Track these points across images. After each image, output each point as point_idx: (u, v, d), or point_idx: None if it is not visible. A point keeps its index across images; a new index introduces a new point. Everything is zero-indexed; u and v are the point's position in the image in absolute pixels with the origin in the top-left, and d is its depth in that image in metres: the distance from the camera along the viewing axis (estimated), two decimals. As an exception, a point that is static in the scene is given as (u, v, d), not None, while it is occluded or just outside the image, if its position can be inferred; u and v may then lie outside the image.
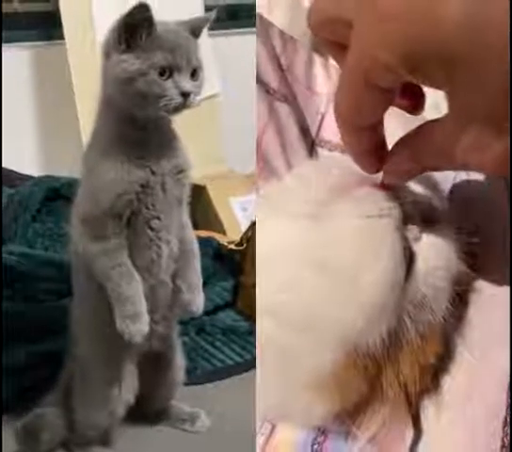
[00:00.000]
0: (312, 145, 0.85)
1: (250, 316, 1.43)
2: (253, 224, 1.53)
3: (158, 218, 0.92)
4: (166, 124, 0.92)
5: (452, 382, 0.68)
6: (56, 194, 1.63)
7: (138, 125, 0.88)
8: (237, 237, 1.63)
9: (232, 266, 1.57)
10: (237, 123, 1.93)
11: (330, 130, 0.82)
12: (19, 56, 1.98)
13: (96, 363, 1.03)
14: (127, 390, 1.04)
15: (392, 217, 0.65)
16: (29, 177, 1.75)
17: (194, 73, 0.87)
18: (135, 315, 0.91)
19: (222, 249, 1.61)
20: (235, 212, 1.86)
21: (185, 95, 0.85)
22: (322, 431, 0.71)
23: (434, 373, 0.68)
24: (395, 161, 0.58)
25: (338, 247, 0.64)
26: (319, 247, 0.64)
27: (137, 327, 0.91)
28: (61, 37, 1.84)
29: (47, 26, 1.97)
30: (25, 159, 2.00)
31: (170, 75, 0.84)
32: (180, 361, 1.15)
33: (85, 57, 1.77)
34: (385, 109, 0.54)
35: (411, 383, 0.66)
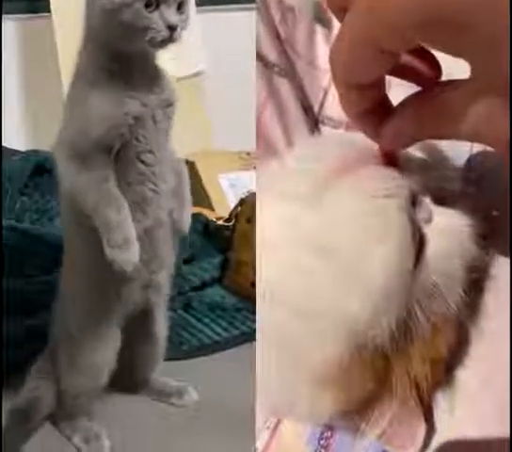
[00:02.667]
0: (315, 123, 0.79)
1: (238, 292, 1.40)
2: (242, 200, 1.51)
3: (150, 152, 0.87)
4: (151, 59, 0.87)
5: (466, 376, 0.64)
6: (43, 169, 1.60)
7: (123, 59, 0.83)
8: (225, 214, 1.60)
9: (220, 243, 1.53)
10: (225, 100, 1.93)
11: (334, 106, 0.75)
12: (7, 29, 1.95)
13: (82, 324, 0.97)
14: (112, 354, 0.99)
15: (400, 197, 0.58)
16: (14, 151, 1.71)
17: (180, 7, 0.82)
18: (124, 243, 0.85)
19: (210, 225, 1.58)
20: (224, 188, 1.84)
21: (172, 28, 0.80)
22: (329, 426, 0.68)
23: (447, 366, 0.63)
24: (397, 123, 0.51)
25: (339, 230, 0.58)
26: (319, 230, 0.58)
27: (126, 255, 0.85)
28: (47, 9, 1.81)
29: None
30: (11, 133, 1.95)
31: (156, 7, 0.79)
32: (164, 329, 1.09)
33: (71, 29, 1.69)
34: (387, 69, 0.48)
35: (422, 378, 0.60)
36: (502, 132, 0.43)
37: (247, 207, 1.44)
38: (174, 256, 0.99)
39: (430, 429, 0.62)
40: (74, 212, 0.89)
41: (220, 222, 1.55)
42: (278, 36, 0.81)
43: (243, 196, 1.55)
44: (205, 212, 1.64)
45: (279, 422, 0.70)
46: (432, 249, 0.60)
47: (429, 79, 0.53)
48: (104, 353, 0.98)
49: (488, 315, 0.63)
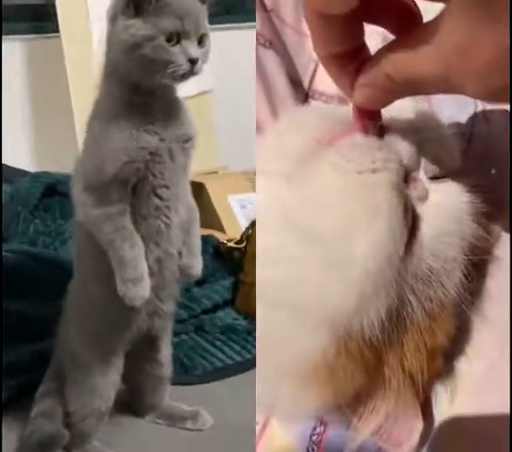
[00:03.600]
0: (305, 97, 0.74)
1: (250, 315, 1.38)
2: (253, 222, 1.49)
3: (166, 187, 0.87)
4: (171, 92, 0.87)
5: (468, 366, 0.58)
6: (53, 190, 1.59)
7: (144, 93, 0.84)
8: (236, 235, 1.58)
9: (231, 265, 1.51)
10: (231, 120, 1.91)
11: (325, 80, 0.69)
12: (13, 49, 1.95)
13: (89, 350, 0.98)
14: (118, 377, 1.00)
15: (389, 172, 0.52)
16: (24, 172, 1.71)
17: (201, 40, 0.82)
18: (136, 279, 0.87)
19: (221, 247, 1.56)
20: (234, 209, 1.82)
21: (193, 62, 0.80)
22: (322, 421, 0.64)
23: (447, 356, 0.57)
24: (371, 73, 0.48)
25: (322, 210, 0.52)
26: (301, 211, 0.53)
27: (138, 290, 0.87)
28: (56, 29, 1.80)
29: (42, 19, 1.92)
30: (20, 154, 1.96)
31: (178, 42, 0.80)
32: (170, 355, 1.09)
33: (80, 50, 1.70)
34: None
35: (418, 370, 0.55)
36: (477, 64, 0.41)
37: (258, 229, 1.39)
38: (178, 285, 0.99)
39: (428, 425, 0.57)
40: (89, 242, 0.90)
41: (231, 244, 1.53)
42: (262, 4, 0.77)
43: (253, 217, 1.52)
44: (216, 234, 1.63)
45: (268, 419, 0.66)
46: (427, 229, 0.54)
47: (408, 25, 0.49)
48: (111, 376, 0.99)
49: (491, 301, 0.57)
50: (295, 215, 0.53)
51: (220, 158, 2.03)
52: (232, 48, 1.83)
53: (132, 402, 1.08)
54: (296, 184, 0.53)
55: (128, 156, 0.83)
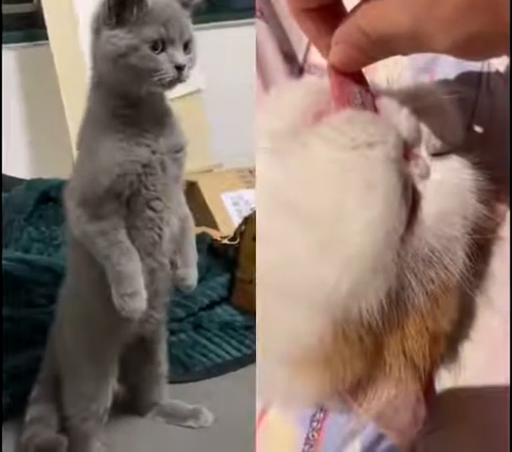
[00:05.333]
0: (299, 72, 0.71)
1: (247, 310, 1.38)
2: (246, 219, 1.49)
3: (159, 199, 0.88)
4: (160, 101, 0.87)
5: (472, 351, 0.55)
6: (47, 197, 1.60)
7: (132, 103, 0.83)
8: (230, 232, 1.58)
9: (226, 261, 1.51)
10: (223, 118, 1.91)
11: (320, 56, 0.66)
12: (6, 58, 1.94)
13: (84, 356, 0.98)
14: (113, 379, 1.00)
15: (385, 145, 0.48)
16: (20, 180, 1.71)
17: (186, 46, 0.82)
18: (133, 293, 0.87)
19: (216, 244, 1.56)
20: (227, 207, 1.82)
21: (180, 68, 0.80)
22: (321, 408, 0.62)
23: (450, 341, 0.53)
24: (346, 29, 0.47)
25: (314, 187, 0.49)
26: (292, 188, 0.50)
27: (136, 304, 0.87)
28: (45, 37, 1.81)
29: (30, 27, 1.95)
30: (14, 162, 1.94)
31: (163, 49, 0.79)
32: (165, 354, 1.09)
33: (70, 56, 1.74)
34: None
35: (420, 355, 0.51)
36: (444, 11, 0.40)
37: (251, 225, 1.39)
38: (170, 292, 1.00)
39: (432, 413, 0.53)
40: (83, 254, 0.89)
41: (225, 241, 1.52)
42: None
43: (246, 214, 1.53)
44: (210, 231, 1.62)
45: (264, 408, 0.65)
46: (428, 208, 0.50)
47: None
48: (106, 380, 0.99)
49: (496, 283, 0.54)
50: (285, 193, 0.50)
51: (214, 156, 2.03)
52: (226, 46, 1.86)
53: (132, 402, 1.08)
54: (286, 161, 0.50)
55: (120, 170, 0.83)
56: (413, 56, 0.50)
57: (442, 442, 0.56)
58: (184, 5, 0.83)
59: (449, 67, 0.58)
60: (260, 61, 0.69)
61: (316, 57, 0.68)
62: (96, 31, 0.81)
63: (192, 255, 0.95)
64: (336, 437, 0.62)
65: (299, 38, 0.71)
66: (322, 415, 0.62)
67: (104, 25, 0.80)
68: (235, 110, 1.58)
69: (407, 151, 0.50)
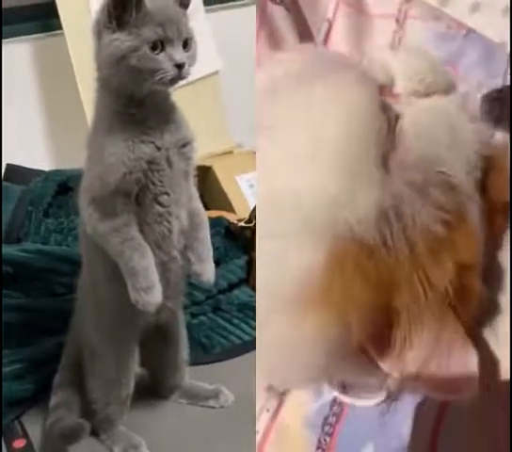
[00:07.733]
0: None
1: None
2: None
3: (166, 194, 0.89)
4: (164, 98, 0.89)
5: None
6: (65, 188, 1.59)
7: (137, 102, 0.85)
8: (246, 215, 1.58)
9: (243, 244, 1.50)
10: (240, 100, 1.79)
11: (340, 40, 0.65)
12: (22, 50, 1.91)
13: (104, 344, 1.00)
14: (134, 365, 1.02)
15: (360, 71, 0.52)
16: (39, 172, 1.69)
17: (186, 44, 0.84)
18: (148, 288, 0.88)
19: (232, 227, 1.56)
20: (242, 189, 1.80)
21: (180, 66, 0.82)
22: (338, 402, 0.61)
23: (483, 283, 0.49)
24: None
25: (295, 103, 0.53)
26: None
27: (150, 298, 0.88)
28: (60, 27, 1.78)
29: (45, 18, 1.87)
30: (33, 154, 1.91)
31: (163, 49, 0.81)
32: (184, 338, 1.11)
33: (85, 45, 1.68)
34: None
35: (450, 290, 0.46)
36: None
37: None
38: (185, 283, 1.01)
39: (486, 358, 0.46)
40: (98, 249, 0.91)
41: (242, 224, 1.52)
42: None
43: None
44: (226, 214, 1.61)
45: (280, 405, 0.65)
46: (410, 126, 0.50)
47: None
48: (128, 365, 1.01)
49: None
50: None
51: (232, 139, 1.98)
52: (244, 25, 1.80)
53: (155, 385, 1.10)
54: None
55: (126, 168, 0.84)
56: None
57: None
58: (182, 4, 0.84)
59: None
60: (276, 44, 0.68)
61: (334, 45, 0.69)
62: (98, 35, 0.83)
63: (206, 250, 0.95)
64: (350, 441, 0.59)
65: (318, 24, 0.72)
66: (334, 419, 0.61)
67: (105, 29, 0.82)
68: (250, 92, 1.56)
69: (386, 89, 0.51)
